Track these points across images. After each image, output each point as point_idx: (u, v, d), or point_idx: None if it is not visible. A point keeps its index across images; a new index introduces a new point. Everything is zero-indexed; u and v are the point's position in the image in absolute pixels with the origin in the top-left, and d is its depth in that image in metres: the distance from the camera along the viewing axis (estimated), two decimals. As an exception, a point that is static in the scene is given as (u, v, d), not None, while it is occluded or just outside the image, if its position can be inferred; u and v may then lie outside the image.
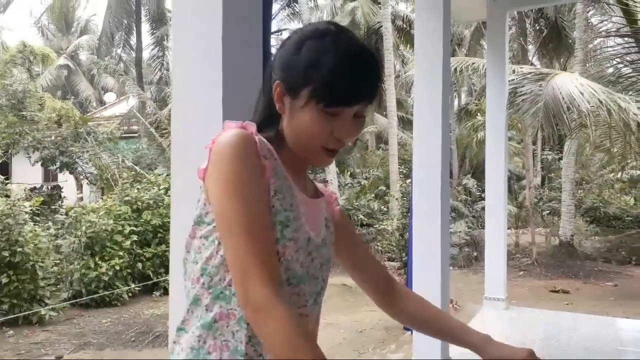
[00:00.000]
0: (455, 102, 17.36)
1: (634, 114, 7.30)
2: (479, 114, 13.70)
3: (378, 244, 10.22)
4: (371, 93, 0.96)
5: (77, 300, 7.11)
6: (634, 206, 14.04)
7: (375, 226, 11.00)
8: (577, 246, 11.51)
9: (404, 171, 12.51)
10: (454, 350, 3.74)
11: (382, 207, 12.73)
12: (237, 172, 0.89)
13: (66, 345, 5.70)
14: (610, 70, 8.55)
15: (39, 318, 6.38)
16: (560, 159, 13.16)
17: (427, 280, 3.76)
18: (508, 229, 12.37)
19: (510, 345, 1.12)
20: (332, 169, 12.18)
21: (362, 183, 13.86)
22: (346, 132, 0.96)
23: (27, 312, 6.28)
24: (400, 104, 16.82)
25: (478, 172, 14.77)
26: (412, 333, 3.87)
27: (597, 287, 9.03)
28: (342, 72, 0.92)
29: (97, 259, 7.34)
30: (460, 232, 12.38)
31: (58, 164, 11.54)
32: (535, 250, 11.10)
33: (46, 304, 6.54)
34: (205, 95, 1.45)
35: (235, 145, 0.90)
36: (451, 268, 11.11)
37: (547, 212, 13.39)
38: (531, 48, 15.39)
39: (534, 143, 15.44)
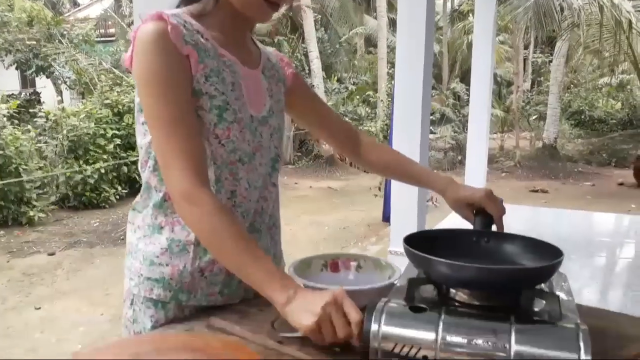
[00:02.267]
0: (449, 4, 16.63)
1: (627, 12, 7.08)
2: (470, 15, 13.20)
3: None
4: None
5: (64, 192, 7.16)
6: (620, 110, 14.07)
7: (360, 128, 11.00)
8: (559, 149, 11.69)
9: (393, 75, 12.29)
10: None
11: (370, 113, 12.65)
12: (152, 70, 0.92)
13: (57, 244, 5.86)
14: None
15: (29, 219, 6.48)
16: (551, 61, 12.94)
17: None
18: (494, 133, 12.50)
19: (471, 186, 1.18)
20: (317, 73, 11.90)
21: (350, 88, 13.62)
22: None
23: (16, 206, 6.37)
24: (391, 5, 16.08)
25: (468, 77, 14.54)
26: (390, 225, 4.01)
27: (576, 187, 9.31)
28: None
29: (81, 162, 7.33)
30: (446, 136, 12.45)
31: (34, 67, 11.13)
32: (518, 153, 11.27)
33: (34, 206, 6.61)
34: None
35: (148, 43, 0.91)
36: (435, 171, 11.33)
37: (534, 116, 13.42)
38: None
39: (526, 47, 15.08)
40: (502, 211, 1.12)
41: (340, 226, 6.63)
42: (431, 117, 12.32)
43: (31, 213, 6.50)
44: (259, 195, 1.08)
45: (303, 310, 0.82)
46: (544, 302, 0.84)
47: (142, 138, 1.02)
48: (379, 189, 7.15)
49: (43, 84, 13.12)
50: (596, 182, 9.65)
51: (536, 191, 8.76)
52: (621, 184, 9.35)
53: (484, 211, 1.11)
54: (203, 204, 0.89)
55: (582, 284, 3.95)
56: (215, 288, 1.05)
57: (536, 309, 0.83)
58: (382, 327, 0.78)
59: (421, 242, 0.88)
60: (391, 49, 13.67)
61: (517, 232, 1.02)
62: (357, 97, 13.32)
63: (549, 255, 0.86)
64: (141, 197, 1.05)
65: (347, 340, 0.82)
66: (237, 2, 0.98)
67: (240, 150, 1.01)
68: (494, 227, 1.10)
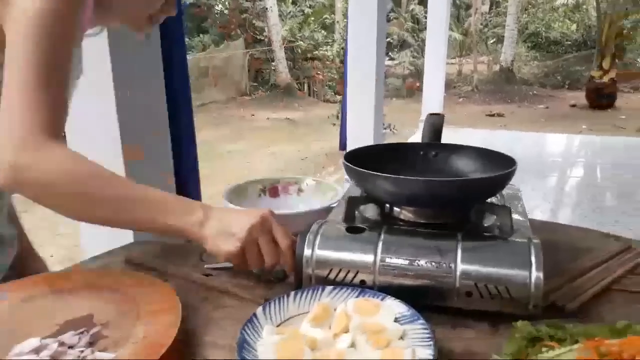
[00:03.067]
0: None
1: None
2: None
3: (319, 72, 9.95)
4: None
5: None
6: (575, 31, 14.11)
7: (315, 53, 10.59)
8: (516, 72, 11.73)
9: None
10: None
11: (327, 37, 12.22)
12: (56, 7, 0.68)
13: None
14: None
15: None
16: (510, -19, 12.66)
17: (361, 106, 3.72)
18: (452, 58, 12.37)
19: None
20: (271, -5, 11.28)
21: (306, 12, 13.04)
22: (173, 5, 0.89)
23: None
24: None
25: (426, -1, 14.13)
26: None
27: (531, 110, 9.43)
28: None
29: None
30: (404, 62, 12.26)
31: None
32: (476, 77, 11.25)
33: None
34: None
35: None
36: (394, 99, 11.23)
37: (492, 40, 13.32)
38: None
39: (486, -34, 14.68)
40: None
41: (298, 157, 6.52)
42: (389, 41, 12.04)
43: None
44: None
45: (224, 234, 0.70)
46: (495, 217, 0.77)
47: None
48: (337, 117, 7.02)
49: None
50: (550, 105, 9.79)
51: (492, 115, 8.83)
52: (574, 105, 9.52)
53: (431, 123, 1.00)
54: (54, 149, 0.66)
55: (534, 205, 4.05)
56: None
57: (486, 225, 0.76)
58: (316, 251, 0.69)
59: (365, 159, 0.78)
60: (348, -30, 13.04)
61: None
62: (313, 19, 12.80)
63: (502, 166, 0.78)
64: None
65: (273, 267, 0.73)
66: (121, 13, 0.84)
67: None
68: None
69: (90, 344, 0.56)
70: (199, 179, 2.02)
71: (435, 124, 0.98)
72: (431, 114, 0.99)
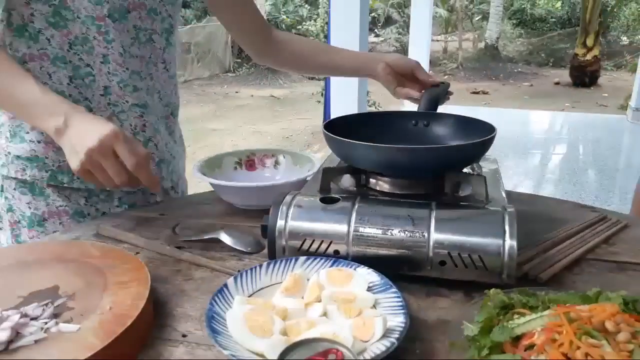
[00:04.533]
0: None
1: None
2: None
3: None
4: None
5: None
6: (560, 8, 14.08)
7: (299, 27, 10.41)
8: (501, 49, 11.72)
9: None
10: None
11: (312, 12, 12.04)
12: None
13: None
14: None
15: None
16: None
17: (345, 82, 3.69)
18: (437, 35, 12.28)
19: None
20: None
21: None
22: None
23: None
24: None
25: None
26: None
27: (515, 88, 9.45)
28: None
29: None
30: (390, 39, 12.17)
31: None
32: (461, 54, 11.21)
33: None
34: None
35: None
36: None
37: (478, 17, 13.24)
38: None
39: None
40: (432, 78, 1.05)
41: (283, 135, 6.48)
42: (374, 15, 11.91)
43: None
44: None
45: (73, 151, 0.70)
46: (471, 187, 0.76)
47: None
48: (322, 94, 6.96)
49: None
50: (534, 82, 9.82)
51: (477, 93, 8.83)
52: (557, 83, 9.57)
53: (430, 92, 0.99)
54: None
55: (517, 181, 4.09)
56: None
57: (462, 194, 0.75)
58: (289, 222, 0.68)
59: (346, 129, 0.77)
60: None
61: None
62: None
63: (483, 134, 0.77)
64: None
65: (135, 184, 0.74)
66: None
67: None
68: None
69: (55, 315, 0.55)
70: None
71: (433, 95, 0.98)
72: (433, 85, 1.00)
